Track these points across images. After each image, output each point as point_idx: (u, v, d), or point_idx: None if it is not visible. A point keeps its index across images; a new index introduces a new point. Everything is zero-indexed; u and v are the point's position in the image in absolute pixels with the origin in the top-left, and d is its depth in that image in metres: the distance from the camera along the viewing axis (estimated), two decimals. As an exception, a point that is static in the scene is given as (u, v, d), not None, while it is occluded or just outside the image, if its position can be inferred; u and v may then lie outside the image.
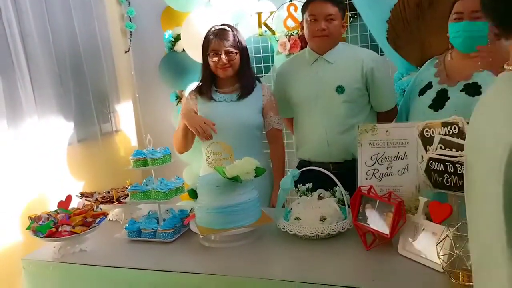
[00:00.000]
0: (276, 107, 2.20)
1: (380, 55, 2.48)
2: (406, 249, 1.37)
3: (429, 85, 1.91)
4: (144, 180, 1.77)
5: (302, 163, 2.22)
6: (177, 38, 2.83)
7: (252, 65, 2.32)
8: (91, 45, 2.94)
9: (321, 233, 1.50)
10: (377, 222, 1.42)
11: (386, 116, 2.10)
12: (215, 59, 2.05)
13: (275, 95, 2.22)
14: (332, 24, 1.98)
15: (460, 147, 1.33)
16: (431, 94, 1.87)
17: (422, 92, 1.92)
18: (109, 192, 1.98)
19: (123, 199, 1.87)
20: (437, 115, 1.77)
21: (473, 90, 1.78)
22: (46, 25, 2.56)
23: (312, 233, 1.50)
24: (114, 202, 1.90)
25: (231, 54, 2.05)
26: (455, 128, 1.35)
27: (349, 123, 2.02)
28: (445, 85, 1.85)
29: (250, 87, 2.14)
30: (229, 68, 2.07)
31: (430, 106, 1.85)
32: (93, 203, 1.80)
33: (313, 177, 1.69)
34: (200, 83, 2.20)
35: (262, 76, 2.75)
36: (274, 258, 1.50)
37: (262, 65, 2.74)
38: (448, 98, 1.81)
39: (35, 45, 2.47)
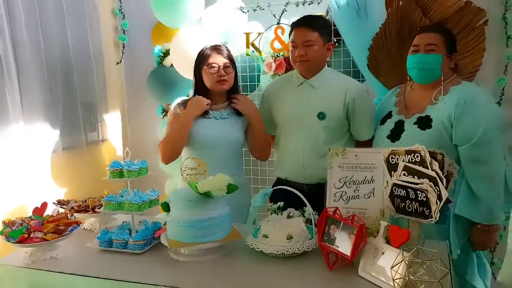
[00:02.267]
0: None
1: (362, 80, 2.56)
2: (365, 271, 1.41)
3: (389, 115, 2.00)
4: (120, 191, 1.80)
5: (279, 181, 2.27)
6: (166, 53, 2.90)
7: (238, 83, 2.38)
8: (83, 54, 2.99)
9: (287, 251, 1.54)
10: (340, 243, 1.46)
11: (364, 145, 2.13)
12: (213, 70, 2.08)
13: (260, 113, 2.26)
14: (311, 50, 2.03)
15: (422, 175, 1.38)
16: (389, 124, 1.96)
17: (383, 121, 2.01)
18: (85, 201, 2.01)
19: (98, 208, 1.90)
20: (394, 146, 1.83)
21: (424, 123, 1.86)
22: (38, 33, 2.60)
23: (278, 251, 1.54)
24: (89, 211, 1.93)
25: (228, 67, 2.11)
26: (417, 156, 1.40)
27: (327, 149, 2.07)
28: (402, 116, 1.94)
29: None
30: (226, 83, 2.11)
31: (388, 137, 1.94)
32: (67, 211, 1.83)
33: (288, 196, 1.72)
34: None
35: (248, 94, 2.81)
36: (239, 274, 1.52)
37: (248, 83, 2.80)
38: (404, 130, 1.89)
39: (26, 53, 2.51)
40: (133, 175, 1.75)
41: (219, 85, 2.10)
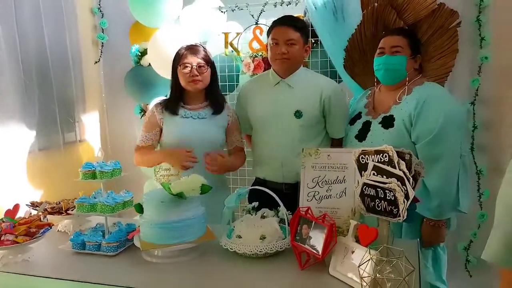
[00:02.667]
0: (239, 127, 2.28)
1: (339, 81, 2.58)
2: (336, 270, 1.43)
3: (358, 116, 2.06)
4: (93, 193, 1.79)
5: (257, 181, 2.29)
6: (144, 52, 2.88)
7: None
8: (60, 54, 2.96)
9: (260, 251, 1.54)
10: (312, 242, 1.47)
11: (340, 143, 2.18)
12: (186, 70, 2.10)
13: (237, 112, 2.30)
14: (293, 49, 2.06)
15: (390, 175, 1.41)
16: (358, 125, 2.03)
17: (353, 121, 2.07)
18: (59, 203, 1.99)
19: (71, 210, 1.88)
20: (361, 146, 1.90)
21: (388, 122, 1.93)
22: (14, 32, 2.57)
23: (251, 251, 1.55)
24: (63, 213, 1.91)
25: (202, 67, 2.11)
26: (386, 156, 1.42)
27: (304, 147, 2.09)
28: (369, 117, 2.01)
29: (221, 105, 2.21)
30: (200, 82, 2.12)
31: (356, 137, 1.99)
32: (40, 213, 1.81)
33: (266, 195, 1.70)
34: (169, 98, 2.24)
35: (227, 94, 2.81)
36: (213, 275, 1.52)
37: (227, 83, 2.81)
38: (370, 130, 1.94)
39: (1, 52, 2.48)
40: (106, 176, 1.73)
41: (192, 84, 2.11)
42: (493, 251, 0.98)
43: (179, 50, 2.16)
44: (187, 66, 2.10)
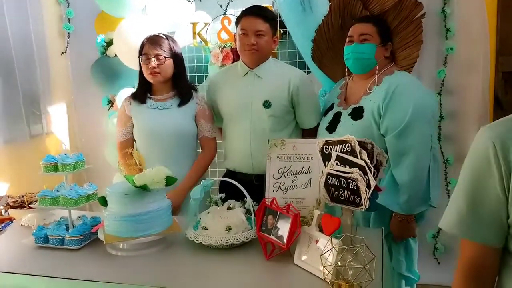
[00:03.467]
0: (209, 115, 2.25)
1: (307, 71, 2.59)
2: (300, 259, 1.44)
3: (331, 107, 2.05)
4: (56, 186, 1.75)
5: (228, 173, 2.28)
6: (110, 43, 2.82)
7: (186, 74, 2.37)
8: (24, 45, 2.88)
9: (226, 242, 1.54)
10: (277, 232, 1.48)
11: (310, 133, 2.18)
12: (145, 62, 2.09)
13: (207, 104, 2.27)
14: (262, 40, 2.05)
15: (353, 164, 1.42)
16: (329, 116, 2.01)
17: (325, 113, 2.05)
18: (22, 197, 1.94)
19: (34, 204, 1.84)
20: (331, 137, 1.86)
21: (357, 114, 1.90)
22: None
23: (217, 243, 1.54)
24: (25, 207, 1.87)
25: (160, 58, 2.08)
26: (348, 146, 1.44)
27: (274, 137, 2.07)
28: (340, 108, 1.99)
29: (188, 95, 2.18)
30: (158, 74, 2.10)
31: (327, 128, 1.98)
32: (0, 208, 1.76)
33: (236, 187, 1.69)
34: (136, 89, 2.22)
35: (196, 85, 2.78)
36: (178, 267, 1.52)
37: (196, 74, 2.78)
38: (339, 121, 1.93)
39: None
40: (68, 169, 1.69)
41: (151, 76, 2.10)
42: (448, 221, 1.03)
43: (142, 41, 2.14)
44: (146, 58, 2.09)
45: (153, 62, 2.07)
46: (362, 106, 1.91)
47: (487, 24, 2.61)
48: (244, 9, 2.13)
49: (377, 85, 1.91)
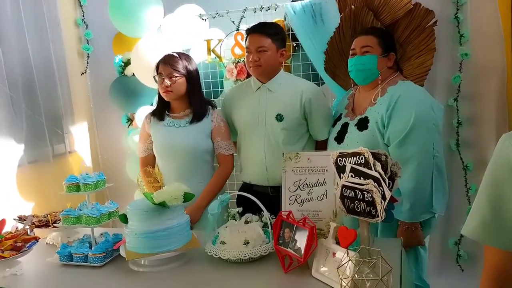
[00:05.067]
0: (226, 133, 2.26)
1: (321, 83, 2.61)
2: (318, 272, 1.45)
3: (339, 117, 2.07)
4: (79, 205, 1.80)
5: (244, 185, 2.32)
6: (127, 62, 2.91)
7: (202, 90, 2.42)
8: (46, 66, 2.98)
9: (244, 256, 1.56)
10: (294, 245, 1.49)
11: (324, 145, 2.19)
12: (160, 81, 2.16)
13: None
14: (264, 55, 2.10)
15: (367, 176, 1.43)
16: (337, 126, 2.03)
17: (334, 123, 2.07)
18: (46, 216, 2.00)
19: (58, 223, 1.90)
20: (340, 148, 1.91)
21: (362, 124, 1.94)
22: (-3, 47, 2.59)
23: (235, 257, 1.56)
24: (50, 226, 1.93)
25: (173, 78, 2.14)
26: (362, 158, 1.44)
27: (288, 150, 2.10)
28: (348, 118, 2.01)
29: (201, 112, 2.22)
30: (171, 93, 2.15)
31: (335, 139, 2.00)
32: (26, 227, 1.82)
33: (253, 200, 1.72)
34: (155, 107, 2.30)
35: (212, 100, 2.83)
36: (198, 282, 1.54)
37: (212, 90, 2.83)
38: (347, 131, 1.95)
39: (-14, 68, 2.49)
40: (89, 189, 1.75)
41: (165, 94, 2.17)
42: (471, 228, 1.03)
43: (158, 60, 2.21)
44: (160, 77, 2.15)
45: (166, 81, 2.13)
46: (367, 117, 1.95)
47: (501, 28, 2.58)
48: (248, 28, 2.21)
49: (381, 96, 1.95)
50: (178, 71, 2.15)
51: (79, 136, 3.28)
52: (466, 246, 2.81)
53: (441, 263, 2.90)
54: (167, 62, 2.15)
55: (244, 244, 1.59)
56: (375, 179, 1.40)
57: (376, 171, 1.39)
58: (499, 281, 1.02)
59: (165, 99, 2.19)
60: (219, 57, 2.73)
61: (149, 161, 2.26)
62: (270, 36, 2.10)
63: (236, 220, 1.75)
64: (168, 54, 2.21)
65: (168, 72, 2.13)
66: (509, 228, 0.97)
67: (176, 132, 2.18)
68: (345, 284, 1.27)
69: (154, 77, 2.20)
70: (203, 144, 2.21)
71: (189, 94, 2.20)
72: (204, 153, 2.23)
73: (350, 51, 2.01)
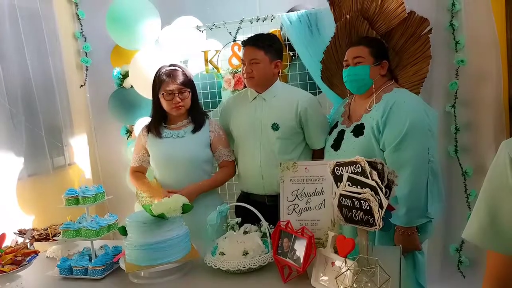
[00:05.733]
0: (226, 140, 2.31)
1: (318, 92, 2.63)
2: (318, 281, 1.45)
3: (335, 125, 2.10)
4: (78, 218, 1.81)
5: (242, 195, 2.34)
6: (126, 75, 2.92)
7: (200, 100, 2.44)
8: (45, 80, 3.00)
9: (243, 267, 1.56)
10: (293, 255, 1.49)
11: (320, 154, 2.21)
12: (169, 98, 2.15)
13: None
14: (256, 67, 2.14)
15: (364, 185, 1.43)
16: (334, 134, 2.06)
17: (331, 131, 2.09)
18: (46, 229, 2.01)
19: (58, 236, 1.90)
20: (336, 155, 1.92)
21: (358, 131, 1.97)
22: (-4, 62, 2.62)
23: (234, 268, 1.57)
24: (50, 239, 1.93)
25: (184, 93, 2.16)
26: (358, 167, 1.45)
27: (284, 159, 2.13)
28: (344, 126, 2.04)
29: (201, 122, 2.24)
30: (183, 107, 2.18)
31: (332, 146, 2.02)
32: (26, 241, 1.83)
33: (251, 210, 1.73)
34: (151, 120, 2.29)
35: (210, 111, 2.85)
36: (198, 293, 1.55)
37: (210, 100, 2.85)
38: (343, 139, 1.97)
39: (-14, 83, 2.51)
40: (89, 202, 1.76)
41: (176, 110, 2.18)
42: (470, 232, 1.03)
43: (159, 74, 2.19)
44: (169, 94, 2.15)
45: (178, 98, 2.14)
46: (363, 123, 1.98)
47: (496, 34, 2.60)
48: (243, 40, 2.24)
49: (376, 103, 1.98)
50: (186, 85, 2.17)
51: (79, 148, 3.29)
52: (467, 252, 2.80)
53: (443, 270, 2.89)
54: (175, 78, 2.15)
55: (243, 254, 1.59)
56: (372, 188, 1.40)
57: (372, 179, 1.40)
58: (501, 285, 1.02)
59: (174, 114, 2.20)
60: (217, 68, 2.75)
61: (138, 171, 2.31)
62: (263, 48, 2.13)
63: (235, 231, 1.75)
64: (171, 69, 2.19)
65: (178, 88, 2.15)
66: (506, 234, 0.97)
67: (176, 143, 2.19)
68: (344, 294, 1.28)
69: (160, 93, 2.17)
70: (203, 154, 2.23)
71: (190, 106, 2.22)
72: (203, 163, 2.25)
73: (344, 62, 2.05)
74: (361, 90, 2.03)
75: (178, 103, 2.15)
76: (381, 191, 1.37)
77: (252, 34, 2.28)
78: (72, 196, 1.77)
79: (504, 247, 0.99)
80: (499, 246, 0.99)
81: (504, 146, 0.99)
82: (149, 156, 2.29)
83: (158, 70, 2.22)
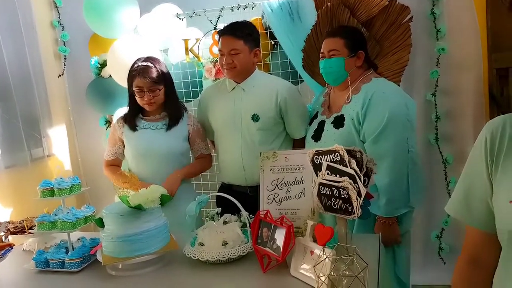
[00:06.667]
0: (203, 134, 2.29)
1: (300, 81, 2.61)
2: (297, 270, 1.44)
3: (315, 115, 2.07)
4: (54, 210, 1.77)
5: (223, 186, 2.31)
6: (104, 64, 2.86)
7: (181, 90, 2.39)
8: (21, 70, 2.92)
9: (222, 257, 1.55)
10: (272, 245, 1.48)
11: (301, 143, 2.19)
12: (140, 95, 2.11)
13: (198, 119, 2.31)
14: (237, 57, 2.09)
15: (343, 173, 1.43)
16: (314, 125, 2.04)
17: (311, 121, 2.07)
18: (22, 222, 1.96)
19: (34, 229, 1.86)
20: (317, 146, 1.91)
21: (338, 122, 1.95)
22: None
23: (214, 258, 1.55)
24: (26, 232, 1.89)
25: (155, 91, 2.11)
26: (337, 155, 1.44)
27: (264, 149, 2.08)
28: (324, 116, 2.02)
29: (178, 116, 2.20)
30: (154, 104, 2.14)
31: (312, 137, 2.00)
32: (1, 234, 1.79)
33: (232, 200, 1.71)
34: (127, 112, 2.25)
35: (192, 100, 2.81)
36: (177, 284, 1.53)
37: (191, 90, 2.81)
38: (323, 129, 1.96)
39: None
40: (64, 193, 1.72)
41: (147, 106, 2.14)
42: (449, 205, 1.10)
43: (132, 69, 2.14)
44: (140, 91, 2.10)
45: (148, 96, 2.10)
46: (343, 115, 1.96)
47: (477, 22, 2.62)
48: (220, 29, 2.19)
49: (355, 94, 1.96)
50: (158, 82, 2.11)
51: (58, 139, 3.22)
52: (447, 238, 2.84)
53: (424, 257, 2.93)
54: (146, 75, 2.09)
55: (222, 245, 1.58)
56: (350, 176, 1.40)
57: (351, 168, 1.39)
58: (473, 259, 1.07)
59: (146, 109, 2.17)
60: (197, 57, 2.71)
61: (113, 165, 2.26)
62: (243, 38, 2.08)
63: (214, 221, 1.73)
64: (143, 66, 2.12)
65: (148, 85, 2.09)
66: (477, 207, 1.03)
67: (153, 135, 2.16)
68: (321, 282, 1.27)
69: (130, 88, 2.14)
70: (180, 147, 2.20)
71: (165, 99, 2.17)
72: (180, 156, 2.22)
73: (320, 54, 2.02)
74: (337, 82, 2.01)
75: (149, 100, 2.11)
76: (360, 179, 1.37)
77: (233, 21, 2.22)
78: (47, 188, 1.73)
79: (476, 221, 1.04)
80: (473, 220, 1.05)
81: (485, 127, 1.03)
82: (124, 148, 2.24)
83: (133, 63, 2.16)
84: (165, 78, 2.16)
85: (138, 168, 2.19)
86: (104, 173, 2.31)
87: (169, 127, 2.17)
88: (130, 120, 2.18)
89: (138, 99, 2.14)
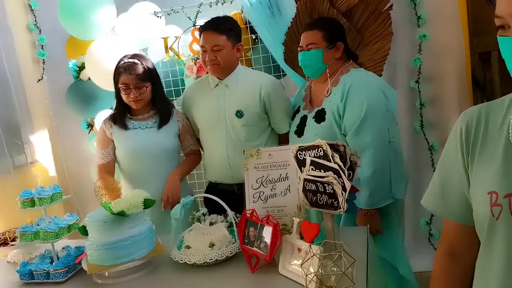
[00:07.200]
0: (192, 130, 2.28)
1: (283, 74, 2.58)
2: (285, 269, 1.43)
3: (298, 110, 2.05)
4: (37, 220, 1.73)
5: (210, 185, 2.28)
6: (82, 66, 2.80)
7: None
8: (-2, 75, 2.86)
9: (210, 259, 1.52)
10: (259, 244, 1.46)
11: (287, 138, 2.17)
12: (126, 92, 2.08)
13: None
14: (220, 53, 2.05)
15: (327, 168, 1.41)
16: (297, 120, 2.02)
17: (293, 116, 2.05)
18: (4, 233, 1.92)
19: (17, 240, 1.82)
20: (300, 141, 1.88)
21: (320, 116, 1.93)
22: None
23: (201, 261, 1.52)
24: (8, 244, 1.85)
25: (142, 88, 2.08)
26: (321, 150, 1.42)
27: (250, 146, 2.08)
28: (306, 111, 2.00)
29: (169, 114, 2.18)
30: (141, 101, 2.10)
31: (295, 132, 1.98)
32: (-19, 248, 1.74)
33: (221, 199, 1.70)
34: (114, 112, 2.21)
35: (174, 99, 2.77)
36: (165, 288, 1.51)
37: (173, 88, 2.76)
38: (306, 125, 1.94)
39: None
40: (45, 203, 1.67)
41: (134, 104, 2.11)
42: (424, 198, 1.08)
43: (118, 66, 2.11)
44: (126, 88, 2.07)
45: (134, 93, 2.06)
46: (324, 109, 1.94)
47: (457, 7, 2.61)
48: (201, 25, 2.14)
49: (334, 86, 1.94)
50: (144, 79, 2.08)
51: (41, 145, 3.16)
52: (437, 225, 2.85)
53: (415, 244, 2.94)
54: (132, 71, 2.05)
55: (209, 246, 1.55)
56: (334, 171, 1.38)
57: (335, 162, 1.37)
58: (451, 251, 1.06)
59: (133, 107, 2.13)
60: (178, 55, 2.66)
61: (109, 167, 2.20)
62: (225, 33, 2.04)
63: (201, 223, 1.71)
64: (129, 62, 2.09)
65: (134, 82, 2.06)
66: (453, 199, 1.00)
67: (145, 135, 2.14)
68: (310, 280, 1.25)
69: (116, 85, 2.11)
70: (173, 144, 2.20)
71: (153, 97, 2.15)
72: (172, 152, 2.22)
73: (299, 48, 2.00)
74: (316, 75, 1.99)
75: (136, 98, 2.07)
76: (344, 173, 1.35)
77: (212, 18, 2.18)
78: (27, 198, 1.69)
79: (453, 214, 1.02)
80: (450, 213, 1.03)
81: (460, 117, 1.01)
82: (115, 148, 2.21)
83: (119, 60, 2.14)
84: (152, 75, 2.12)
85: (131, 168, 2.17)
86: (95, 178, 2.25)
87: (160, 125, 2.15)
88: (120, 119, 2.15)
89: (124, 97, 2.10)
